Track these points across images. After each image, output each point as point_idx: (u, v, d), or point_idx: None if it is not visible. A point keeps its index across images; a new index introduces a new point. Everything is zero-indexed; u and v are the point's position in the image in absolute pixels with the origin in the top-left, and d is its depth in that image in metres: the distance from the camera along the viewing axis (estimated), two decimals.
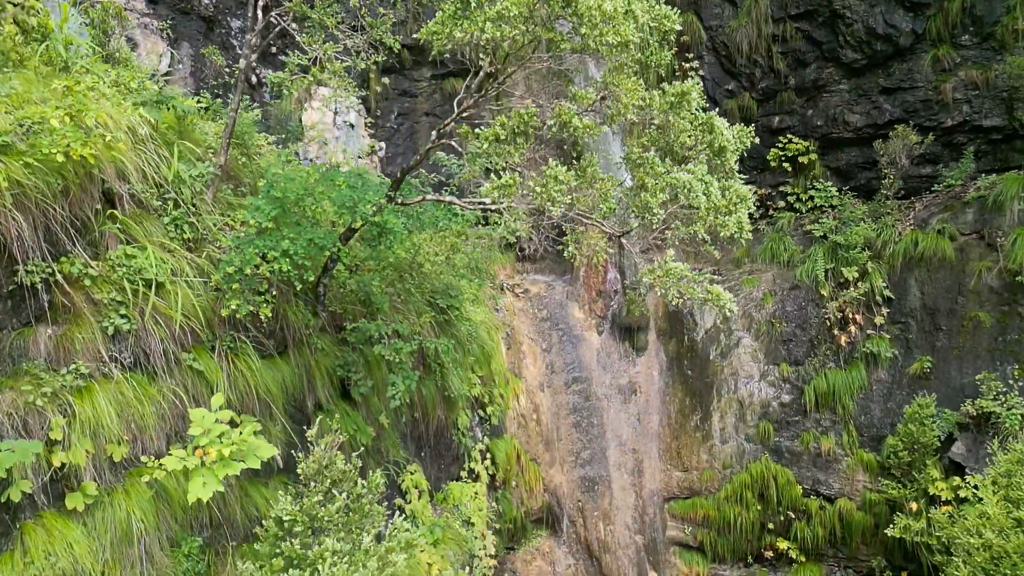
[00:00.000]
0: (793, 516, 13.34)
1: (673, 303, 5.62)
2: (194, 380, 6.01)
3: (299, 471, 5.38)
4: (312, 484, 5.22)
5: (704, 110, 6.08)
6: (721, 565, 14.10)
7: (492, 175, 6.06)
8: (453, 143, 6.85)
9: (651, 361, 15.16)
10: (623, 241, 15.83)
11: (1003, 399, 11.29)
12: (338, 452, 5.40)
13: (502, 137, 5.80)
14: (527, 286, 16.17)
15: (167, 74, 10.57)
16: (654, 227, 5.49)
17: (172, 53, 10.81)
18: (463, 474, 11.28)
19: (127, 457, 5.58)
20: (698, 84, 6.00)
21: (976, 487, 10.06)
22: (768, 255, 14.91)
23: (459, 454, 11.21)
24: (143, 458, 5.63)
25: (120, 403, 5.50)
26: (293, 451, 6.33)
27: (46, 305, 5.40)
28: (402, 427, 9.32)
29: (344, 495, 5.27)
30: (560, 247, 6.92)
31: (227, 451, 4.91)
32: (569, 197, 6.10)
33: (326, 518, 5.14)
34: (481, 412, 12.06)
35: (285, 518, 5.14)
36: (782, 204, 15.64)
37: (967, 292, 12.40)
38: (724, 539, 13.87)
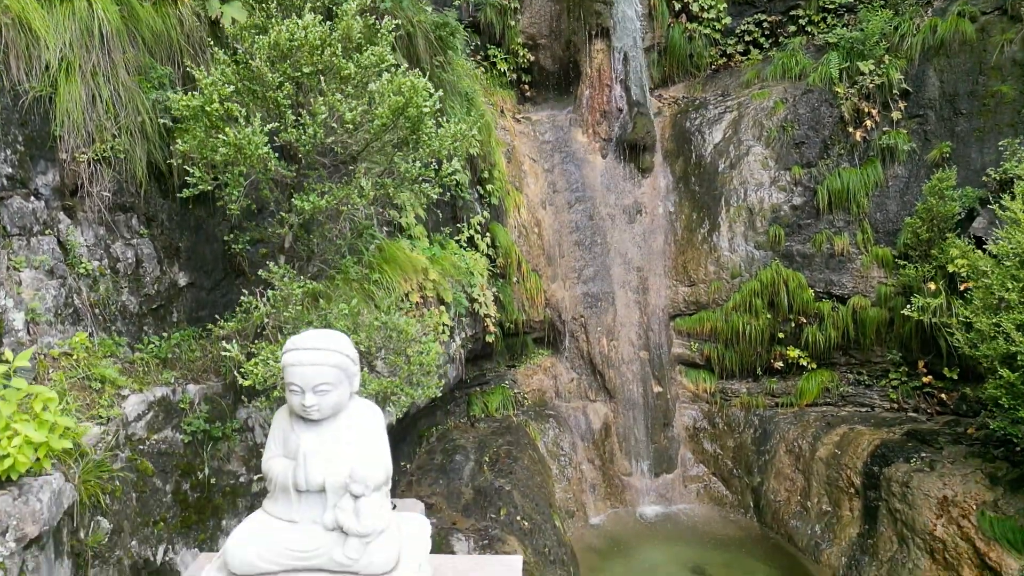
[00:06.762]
0: (804, 321, 12.83)
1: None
2: None
3: None
4: None
5: None
6: (729, 380, 13.60)
7: None
8: None
9: (657, 182, 14.63)
10: (628, 54, 15.19)
11: None
12: None
13: None
14: (528, 115, 15.63)
15: None
16: None
17: None
18: (461, 239, 10.76)
19: None
20: None
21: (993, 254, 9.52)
22: (779, 72, 14.34)
23: (457, 213, 10.69)
24: None
25: None
26: None
27: None
28: None
29: None
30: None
31: None
32: None
33: None
34: (480, 188, 11.53)
35: None
36: (793, 29, 15.10)
37: (988, 70, 11.85)
38: (732, 352, 13.36)
